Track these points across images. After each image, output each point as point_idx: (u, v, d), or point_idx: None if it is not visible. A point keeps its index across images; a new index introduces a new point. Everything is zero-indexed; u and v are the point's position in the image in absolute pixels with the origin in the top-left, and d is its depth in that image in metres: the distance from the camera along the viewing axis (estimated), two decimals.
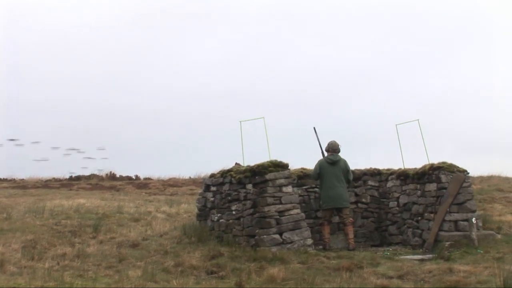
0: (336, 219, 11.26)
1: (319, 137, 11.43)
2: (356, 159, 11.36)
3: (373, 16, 39.13)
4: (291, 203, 10.19)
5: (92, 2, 41.61)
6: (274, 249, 9.58)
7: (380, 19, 38.88)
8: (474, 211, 10.53)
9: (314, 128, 11.54)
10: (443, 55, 38.75)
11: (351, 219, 11.04)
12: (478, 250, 9.51)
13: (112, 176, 22.64)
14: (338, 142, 11.18)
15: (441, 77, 38.16)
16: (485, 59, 38.56)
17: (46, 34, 38.90)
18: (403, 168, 11.88)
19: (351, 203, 11.53)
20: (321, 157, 11.21)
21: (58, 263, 8.55)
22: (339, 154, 11.13)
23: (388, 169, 12.26)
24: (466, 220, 10.29)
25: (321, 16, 39.97)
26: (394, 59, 39.21)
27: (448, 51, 38.62)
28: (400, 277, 8.00)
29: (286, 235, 9.93)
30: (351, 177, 11.21)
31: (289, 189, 10.27)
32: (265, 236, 9.79)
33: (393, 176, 11.93)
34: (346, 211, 10.97)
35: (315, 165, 11.10)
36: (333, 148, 11.10)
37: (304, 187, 11.46)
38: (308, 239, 10.10)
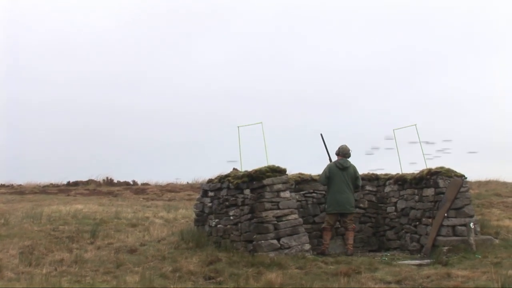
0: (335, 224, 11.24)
1: (326, 143, 11.44)
2: (355, 163, 11.33)
3: (375, 18, 39.24)
4: (288, 208, 10.18)
5: (95, 2, 41.70)
6: (272, 254, 9.57)
7: (381, 20, 38.99)
8: (472, 216, 10.53)
9: (321, 135, 11.55)
10: (444, 57, 38.87)
11: (353, 225, 11.03)
12: (476, 255, 9.51)
13: (109, 182, 22.65)
14: (349, 147, 11.16)
15: (441, 80, 38.26)
16: (487, 62, 38.66)
17: (48, 34, 39.00)
18: (400, 173, 11.90)
19: None
20: (329, 162, 11.19)
21: (55, 269, 8.54)
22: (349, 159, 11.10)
23: (385, 174, 12.27)
24: (464, 225, 10.29)
25: (323, 19, 40.11)
26: (394, 61, 39.30)
27: (449, 53, 38.74)
28: (398, 282, 7.99)
29: (284, 240, 9.92)
30: (359, 183, 11.19)
31: (286, 194, 10.26)
32: (262, 241, 9.78)
33: (390, 181, 11.93)
34: (350, 217, 10.96)
35: (324, 169, 11.04)
36: (343, 153, 11.07)
37: (302, 192, 11.44)
38: (306, 244, 10.09)
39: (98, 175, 22.88)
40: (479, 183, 19.45)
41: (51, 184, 22.39)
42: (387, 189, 11.99)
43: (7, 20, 33.07)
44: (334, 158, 11.27)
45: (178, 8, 38.98)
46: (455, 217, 10.40)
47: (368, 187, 12.11)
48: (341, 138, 11.40)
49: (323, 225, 10.97)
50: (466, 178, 10.87)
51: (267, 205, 9.99)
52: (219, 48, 39.63)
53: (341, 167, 10.91)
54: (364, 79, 38.16)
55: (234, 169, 11.58)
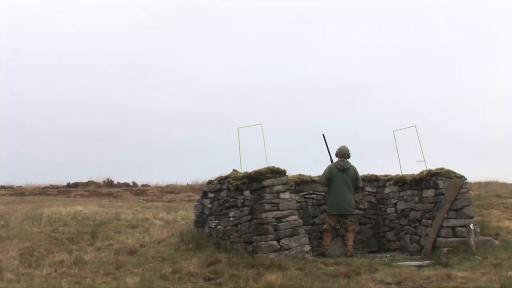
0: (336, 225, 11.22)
1: (328, 144, 11.44)
2: (356, 164, 11.32)
3: (379, 20, 39.26)
4: (288, 209, 10.18)
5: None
6: (271, 255, 9.56)
7: (386, 22, 39.00)
8: (472, 217, 10.53)
9: (323, 135, 11.54)
10: (448, 60, 38.90)
11: (353, 226, 11.01)
12: (476, 256, 9.51)
13: (109, 183, 22.67)
14: (348, 147, 11.15)
15: (443, 82, 38.31)
16: (489, 66, 38.68)
17: (49, 32, 39.03)
18: (400, 174, 11.90)
19: None
20: (330, 163, 11.18)
21: (55, 270, 8.54)
22: (349, 160, 11.09)
23: (385, 175, 12.26)
24: (464, 226, 10.29)
25: (327, 21, 40.14)
26: (397, 63, 39.34)
27: (453, 56, 38.79)
28: (398, 283, 7.98)
29: (283, 241, 9.91)
30: (360, 184, 11.15)
31: (286, 195, 10.26)
32: (262, 242, 9.78)
33: (390, 182, 11.93)
34: (351, 218, 10.95)
35: (325, 170, 11.01)
36: (341, 153, 11.06)
37: (302, 193, 11.44)
38: (306, 246, 10.08)
39: (98, 177, 22.95)
40: (479, 184, 19.50)
41: (51, 185, 22.41)
42: (387, 190, 11.99)
43: (10, 17, 33.14)
44: (335, 159, 11.26)
45: (181, 8, 39.06)
46: (455, 218, 10.40)
47: (368, 188, 12.11)
48: (342, 141, 11.38)
49: (324, 227, 10.95)
50: (466, 179, 10.88)
51: (267, 206, 9.99)
52: (219, 49, 39.73)
53: (341, 168, 10.89)
54: (368, 83, 38.27)
55: (234, 170, 11.59)
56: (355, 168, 11.07)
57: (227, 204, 10.66)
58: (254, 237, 9.90)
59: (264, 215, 9.91)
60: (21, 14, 37.54)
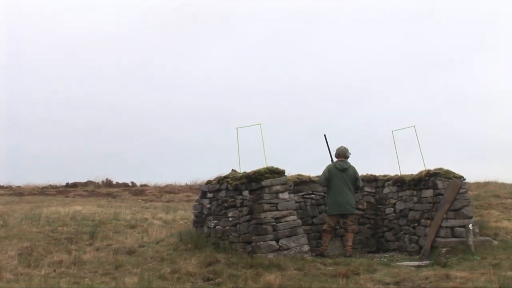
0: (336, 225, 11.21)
1: (329, 144, 11.44)
2: (355, 164, 11.31)
3: (379, 19, 39.24)
4: (287, 209, 10.18)
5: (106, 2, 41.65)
6: (270, 255, 9.56)
7: (391, 23, 38.98)
8: (470, 217, 10.54)
9: (325, 135, 11.55)
10: (448, 60, 38.91)
11: (353, 226, 11.00)
12: (475, 256, 9.51)
13: (108, 183, 22.66)
14: (347, 148, 11.14)
15: (443, 82, 38.29)
16: (489, 66, 38.66)
17: (48, 33, 38.96)
18: (399, 174, 11.90)
19: None
20: (329, 163, 11.18)
21: (54, 270, 8.54)
22: (348, 160, 11.09)
23: (384, 175, 12.27)
24: (463, 226, 10.30)
25: (332, 21, 40.15)
26: (397, 63, 39.36)
27: (453, 56, 38.78)
28: (397, 283, 7.99)
29: (282, 241, 9.91)
30: (360, 184, 11.14)
31: (285, 195, 10.26)
32: (261, 242, 9.78)
33: (389, 182, 11.93)
34: (351, 218, 10.94)
35: (324, 170, 11.01)
36: (338, 153, 11.07)
37: (301, 193, 11.44)
38: (305, 246, 10.09)
39: (97, 177, 22.94)
40: (478, 184, 19.49)
41: (50, 185, 22.41)
42: (385, 190, 11.99)
43: (10, 17, 33.10)
44: (336, 160, 11.25)
45: (180, 7, 39.05)
46: (454, 219, 10.41)
47: (367, 189, 12.11)
48: (343, 142, 11.38)
49: (324, 227, 10.93)
50: (465, 179, 10.91)
51: (266, 207, 9.99)
52: (218, 48, 39.73)
53: (340, 168, 10.89)
54: (368, 80, 38.26)
55: (232, 170, 11.59)
56: (354, 168, 11.07)
57: (226, 204, 10.66)
58: (253, 237, 9.90)
59: (263, 215, 9.92)
60: (21, 13, 37.51)
